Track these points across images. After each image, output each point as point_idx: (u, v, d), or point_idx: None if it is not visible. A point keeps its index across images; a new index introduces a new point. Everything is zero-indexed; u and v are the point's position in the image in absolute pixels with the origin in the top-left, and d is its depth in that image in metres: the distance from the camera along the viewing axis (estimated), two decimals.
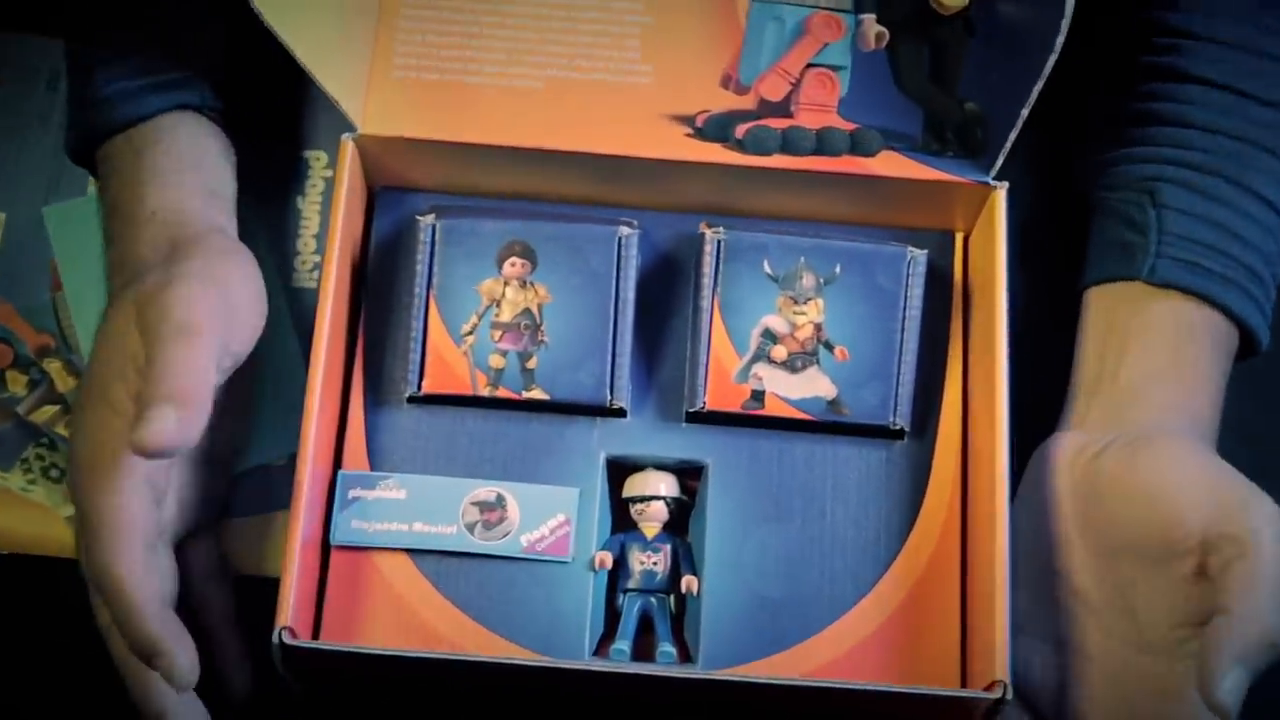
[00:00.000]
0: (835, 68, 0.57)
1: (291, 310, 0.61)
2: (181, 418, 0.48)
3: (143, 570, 0.50)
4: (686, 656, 0.55)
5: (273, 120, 0.63)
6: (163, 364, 0.49)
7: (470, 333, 0.56)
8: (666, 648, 0.55)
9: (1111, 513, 0.52)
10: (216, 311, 0.51)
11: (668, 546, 0.56)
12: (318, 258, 0.62)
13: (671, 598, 0.56)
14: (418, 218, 0.57)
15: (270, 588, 0.51)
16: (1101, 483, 0.53)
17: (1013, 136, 0.55)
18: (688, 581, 0.55)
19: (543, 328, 0.56)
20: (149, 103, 0.57)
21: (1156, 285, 0.56)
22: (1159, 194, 0.57)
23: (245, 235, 0.57)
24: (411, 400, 0.57)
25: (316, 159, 0.63)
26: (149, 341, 0.50)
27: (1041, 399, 0.58)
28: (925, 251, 0.57)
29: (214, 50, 0.59)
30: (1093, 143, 0.61)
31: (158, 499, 0.52)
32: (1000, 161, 0.56)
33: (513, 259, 0.56)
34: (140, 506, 0.50)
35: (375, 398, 0.57)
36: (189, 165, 0.57)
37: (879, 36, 0.56)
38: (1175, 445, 0.53)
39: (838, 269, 0.57)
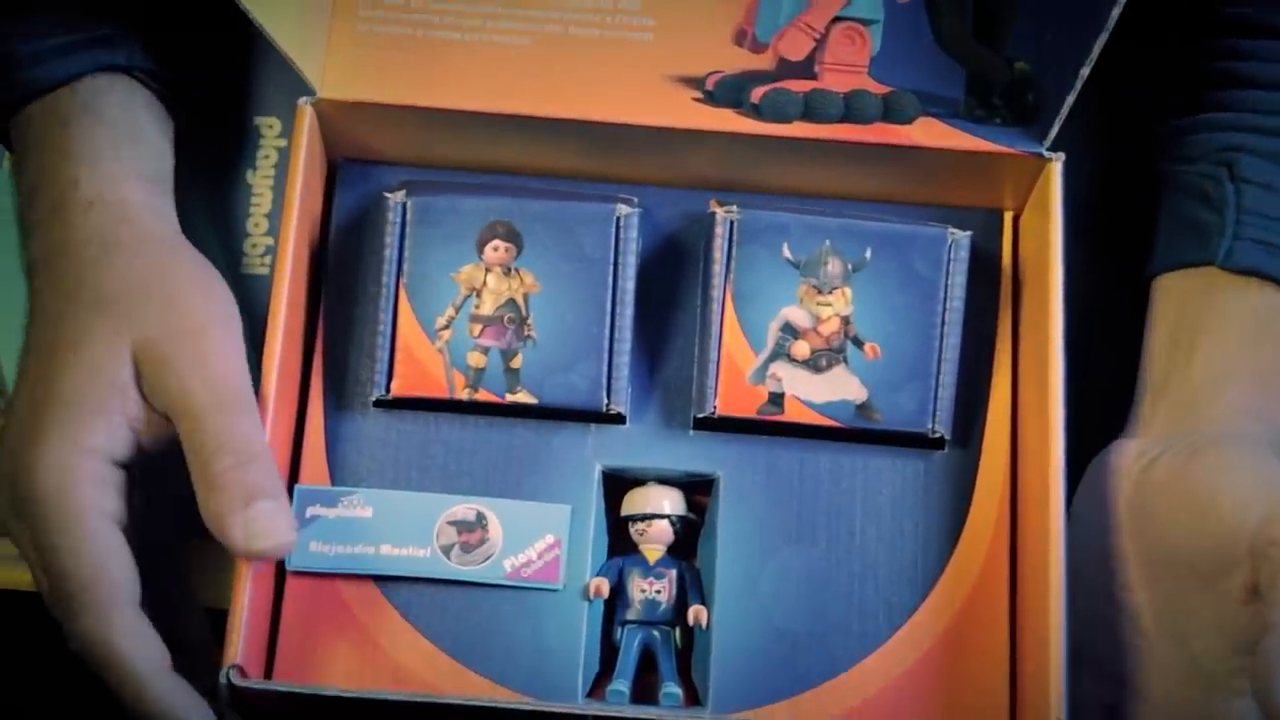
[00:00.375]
0: (866, 21, 0.56)
1: (241, 304, 0.58)
2: (281, 507, 0.50)
3: (136, 634, 0.49)
4: (694, 699, 0.54)
5: (216, 82, 0.62)
6: (232, 444, 0.50)
7: (446, 327, 0.55)
8: (671, 688, 0.54)
9: (1161, 525, 0.52)
10: (243, 358, 0.52)
11: (673, 572, 0.55)
12: (270, 240, 0.62)
13: (677, 631, 0.55)
14: (386, 195, 0.56)
15: (221, 621, 0.51)
16: (1152, 492, 0.53)
17: (1070, 100, 0.54)
18: (695, 612, 0.55)
19: (529, 321, 0.55)
20: (71, 63, 0.55)
21: (1233, 271, 0.55)
22: (1238, 166, 0.56)
23: (184, 216, 0.57)
24: (379, 404, 0.56)
25: (269, 126, 0.62)
26: (195, 411, 0.50)
27: (1102, 403, 0.56)
28: (969, 233, 0.56)
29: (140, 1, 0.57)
30: (1161, 108, 0.60)
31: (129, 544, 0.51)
32: (1055, 129, 0.55)
33: (495, 242, 0.55)
34: (122, 563, 0.50)
35: (337, 402, 0.56)
36: (125, 141, 0.55)
37: None
38: (1233, 451, 0.51)
39: (868, 253, 0.56)
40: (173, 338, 0.51)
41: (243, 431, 0.50)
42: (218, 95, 0.61)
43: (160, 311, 0.51)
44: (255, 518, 0.49)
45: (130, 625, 0.49)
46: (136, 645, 0.49)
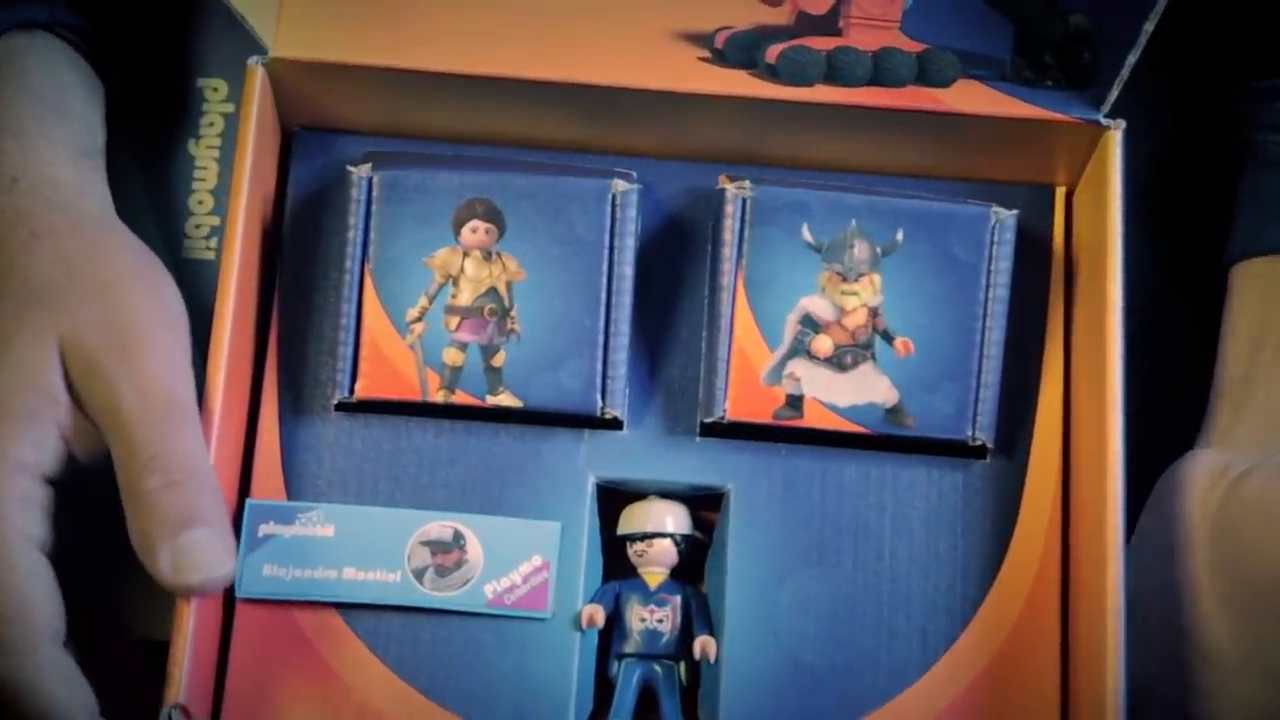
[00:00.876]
0: None
1: (183, 290, 0.57)
2: (218, 535, 0.49)
3: (59, 677, 0.48)
4: None
5: (154, 39, 0.61)
6: (164, 460, 0.49)
7: (418, 319, 0.54)
8: None
9: (1253, 550, 0.51)
10: (187, 361, 0.51)
11: (676, 599, 0.55)
12: (216, 220, 0.61)
13: (681, 665, 0.54)
14: (349, 168, 0.55)
15: (161, 654, 0.50)
16: (1241, 513, 0.51)
17: (1131, 60, 0.52)
18: (702, 644, 0.53)
19: (513, 313, 0.54)
20: None
21: None
22: None
23: (117, 193, 0.56)
24: (341, 407, 0.55)
25: (214, 90, 0.62)
26: (123, 420, 0.49)
27: (1168, 407, 0.56)
28: (1015, 212, 0.55)
29: None
30: (1242, 66, 0.59)
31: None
32: (1115, 93, 0.54)
33: (473, 223, 0.54)
34: (45, 596, 0.49)
35: (294, 404, 0.56)
36: (50, 111, 0.54)
37: None
38: None
39: (900, 235, 0.54)
40: (103, 335, 0.50)
41: (179, 446, 0.48)
42: (154, 53, 0.60)
43: (92, 305, 0.50)
44: (186, 548, 0.48)
45: (53, 667, 0.48)
46: (59, 690, 0.48)
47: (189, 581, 0.47)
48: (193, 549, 0.48)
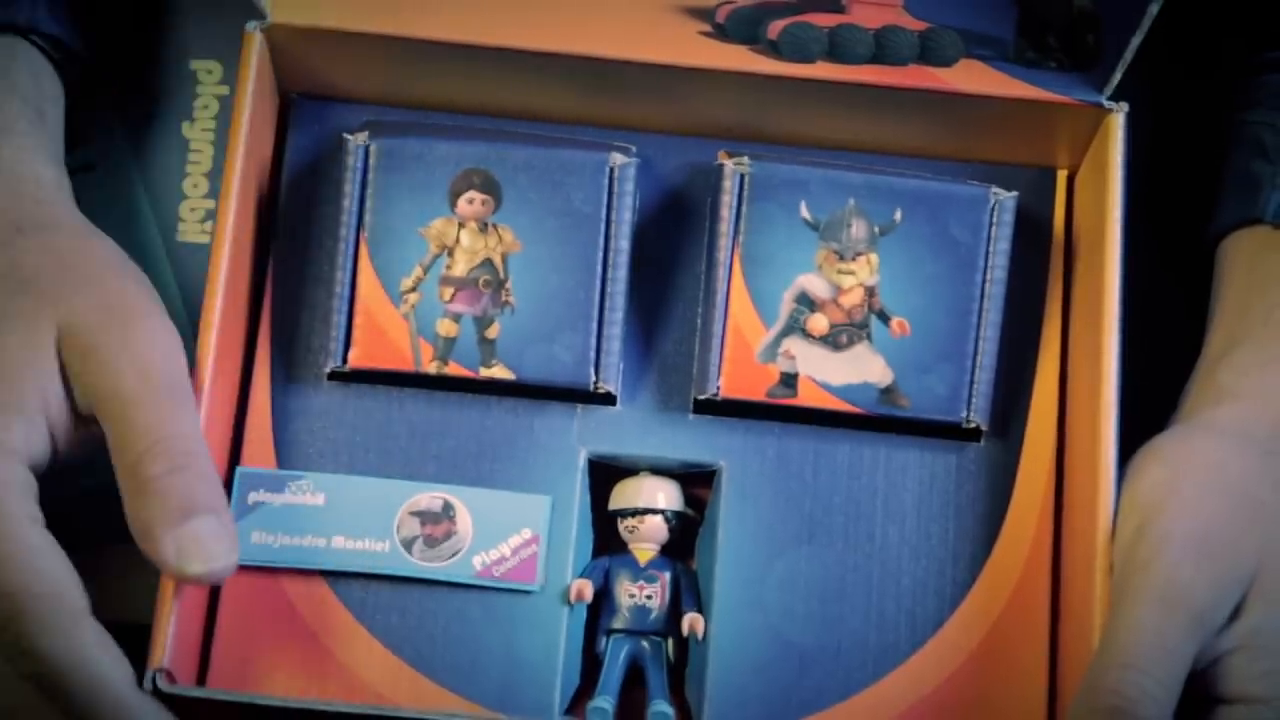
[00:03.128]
0: None
1: (177, 277, 0.59)
2: (222, 523, 0.49)
3: (107, 650, 0.48)
4: (688, 719, 0.54)
5: (145, 18, 0.60)
6: (166, 444, 0.49)
7: (413, 290, 0.55)
8: (661, 707, 0.53)
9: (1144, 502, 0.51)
10: (180, 348, 0.51)
11: (666, 575, 0.55)
12: (211, 204, 0.60)
13: (669, 642, 0.54)
14: (346, 136, 0.55)
15: (127, 636, 0.50)
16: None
17: (1135, 42, 0.52)
18: (691, 621, 0.54)
19: (508, 285, 0.54)
20: None
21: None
22: None
23: (109, 178, 0.57)
24: (334, 377, 0.55)
25: (208, 72, 0.61)
26: (125, 403, 0.49)
27: (1164, 392, 0.56)
28: (1015, 194, 0.55)
29: None
30: (1229, 50, 0.58)
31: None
32: (1118, 76, 0.54)
33: (470, 193, 0.55)
34: (71, 572, 0.49)
35: (285, 373, 0.56)
36: (35, 115, 0.55)
37: None
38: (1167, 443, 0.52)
39: (898, 215, 0.55)
40: (101, 318, 0.50)
41: (181, 430, 0.48)
42: (146, 34, 0.60)
43: (86, 291, 0.50)
44: (191, 536, 0.48)
45: (95, 641, 0.48)
46: (105, 662, 0.48)
47: (196, 571, 0.48)
48: (198, 537, 0.48)
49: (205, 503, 0.48)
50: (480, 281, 0.54)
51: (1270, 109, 0.56)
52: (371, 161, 0.54)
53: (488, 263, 0.54)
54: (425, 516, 0.53)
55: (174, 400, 0.49)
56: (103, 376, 0.49)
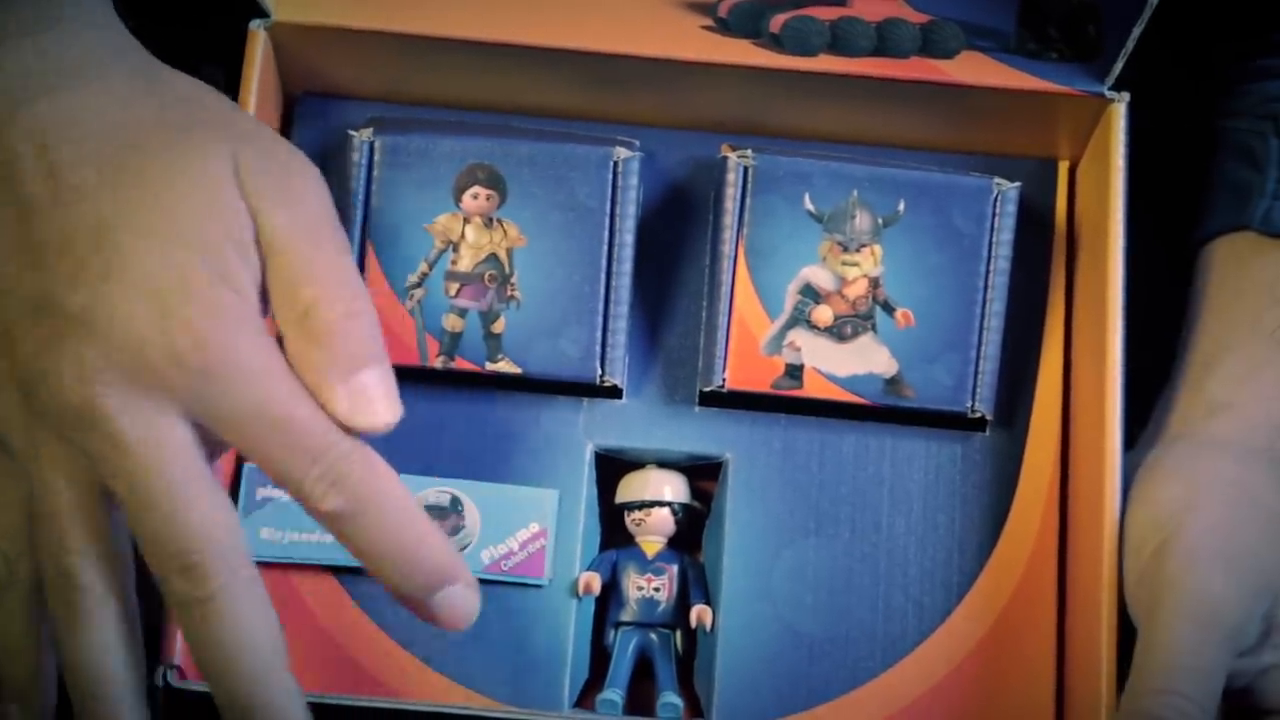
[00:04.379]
0: None
1: None
2: (389, 375, 0.46)
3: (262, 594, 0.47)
4: (697, 710, 0.54)
5: (148, 17, 0.58)
6: (341, 290, 0.46)
7: (418, 285, 0.55)
8: (670, 698, 0.53)
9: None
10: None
11: (673, 567, 0.55)
12: None
13: (677, 634, 0.55)
14: (351, 133, 0.55)
15: (155, 633, 0.49)
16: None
17: (1136, 33, 0.53)
18: (699, 613, 0.54)
19: (513, 280, 0.55)
20: None
21: (1272, 236, 0.54)
22: None
23: None
24: None
25: (212, 71, 0.57)
26: (297, 241, 0.46)
27: (1168, 378, 0.56)
28: (1017, 184, 0.55)
29: None
30: (1219, 55, 0.59)
31: None
32: (1119, 66, 0.54)
33: (475, 189, 0.55)
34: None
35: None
36: None
37: None
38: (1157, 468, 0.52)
39: (901, 206, 0.55)
40: (263, 165, 0.47)
41: (353, 276, 0.47)
42: (149, 39, 0.57)
43: (252, 138, 0.48)
44: (363, 387, 0.46)
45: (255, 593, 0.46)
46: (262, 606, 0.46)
47: (367, 424, 0.46)
48: (369, 389, 0.46)
49: (376, 354, 0.46)
50: (485, 276, 0.54)
51: (1257, 116, 0.56)
52: (376, 158, 0.54)
53: (493, 258, 0.54)
54: (433, 511, 0.53)
55: (338, 246, 0.47)
56: (278, 214, 0.47)
